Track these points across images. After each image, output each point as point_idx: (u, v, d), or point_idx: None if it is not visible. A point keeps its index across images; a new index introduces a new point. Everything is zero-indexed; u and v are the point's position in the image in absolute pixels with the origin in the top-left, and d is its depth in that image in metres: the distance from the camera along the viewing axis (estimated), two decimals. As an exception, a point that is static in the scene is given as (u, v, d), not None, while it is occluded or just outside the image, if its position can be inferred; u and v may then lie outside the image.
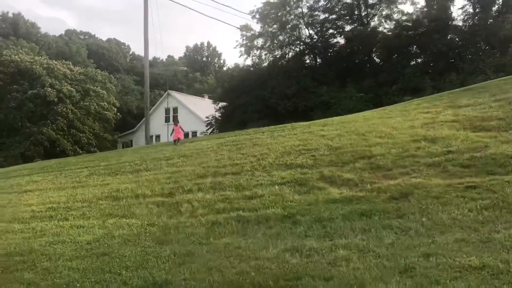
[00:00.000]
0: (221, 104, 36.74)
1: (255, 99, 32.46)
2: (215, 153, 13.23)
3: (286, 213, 6.90)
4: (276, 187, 8.58)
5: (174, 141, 17.56)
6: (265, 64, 35.85)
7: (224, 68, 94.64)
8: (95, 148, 40.16)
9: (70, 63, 44.23)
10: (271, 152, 11.56)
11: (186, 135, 43.67)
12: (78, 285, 5.08)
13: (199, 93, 61.78)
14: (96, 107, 40.42)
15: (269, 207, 7.42)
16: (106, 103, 42.93)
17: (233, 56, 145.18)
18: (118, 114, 45.54)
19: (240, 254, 5.58)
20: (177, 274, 5.13)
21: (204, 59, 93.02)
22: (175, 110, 48.97)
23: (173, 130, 18.01)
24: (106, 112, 41.46)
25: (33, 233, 7.77)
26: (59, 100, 37.81)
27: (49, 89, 36.73)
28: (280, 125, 16.98)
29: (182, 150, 14.84)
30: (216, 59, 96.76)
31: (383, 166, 8.85)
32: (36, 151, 36.09)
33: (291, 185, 8.54)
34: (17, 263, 6.13)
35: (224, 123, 35.60)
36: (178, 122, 18.66)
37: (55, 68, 39.31)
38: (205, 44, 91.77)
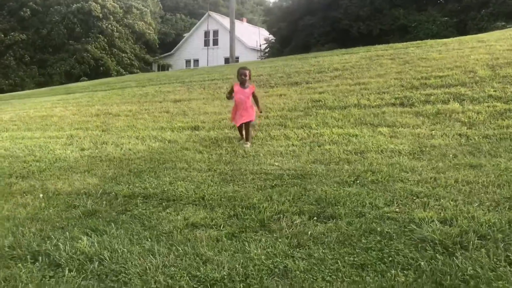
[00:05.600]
0: (277, 26, 34.27)
1: (322, 20, 30.13)
2: (379, 66, 11.62)
3: None
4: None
5: (238, 128, 6.70)
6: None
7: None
8: (138, 70, 38.24)
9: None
10: (470, 66, 9.95)
11: (227, 60, 41.51)
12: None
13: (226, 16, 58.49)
14: (140, 25, 37.95)
15: None
16: (144, 23, 40.40)
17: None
18: (154, 36, 43.00)
19: None
20: None
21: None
22: (216, 33, 46.37)
23: (231, 91, 6.68)
24: (149, 32, 39.05)
25: (295, 140, 6.33)
26: (103, 16, 35.27)
27: (93, 3, 34.11)
28: (419, 41, 15.26)
29: (322, 65, 13.19)
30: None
31: None
32: (81, 69, 34.14)
33: None
34: (343, 171, 4.72)
35: (281, 48, 33.44)
36: (245, 79, 6.50)
37: (97, -20, 36.46)
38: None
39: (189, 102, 10.31)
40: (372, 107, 8.02)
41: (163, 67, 46.95)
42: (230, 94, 6.72)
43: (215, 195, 4.47)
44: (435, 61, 11.22)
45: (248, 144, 6.22)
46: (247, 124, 6.38)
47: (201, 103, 9.97)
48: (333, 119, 7.41)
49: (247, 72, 6.49)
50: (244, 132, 6.52)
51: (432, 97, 8.07)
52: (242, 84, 6.49)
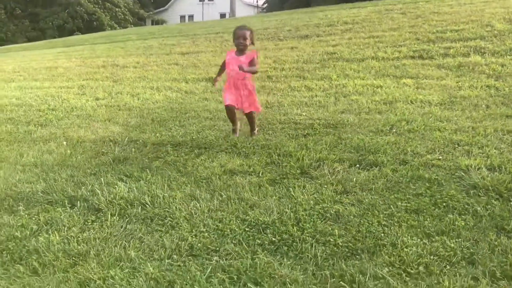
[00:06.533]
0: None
1: (324, -26, 29.27)
2: (391, 20, 11.35)
3: None
4: None
5: (227, 109, 4.49)
6: None
7: None
8: (131, 25, 37.25)
9: None
10: (486, 19, 9.71)
11: (222, 16, 40.48)
12: None
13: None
14: (134, -22, 36.71)
15: None
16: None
17: None
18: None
19: None
20: None
21: None
22: (211, -13, 45.03)
23: (223, 66, 4.54)
24: (143, -15, 37.78)
25: (318, 91, 6.17)
26: (96, -34, 34.03)
27: (85, -47, 32.82)
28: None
29: (330, 19, 12.84)
30: None
31: None
32: (75, 24, 33.19)
33: None
34: (375, 121, 4.61)
35: (279, 3, 32.72)
36: (245, 44, 4.27)
37: None
38: None
39: (197, 54, 10.05)
40: (391, 59, 7.84)
41: (157, 23, 45.69)
42: (219, 73, 4.62)
43: (247, 143, 4.34)
44: (449, 15, 10.95)
45: (256, 131, 4.62)
46: (250, 114, 4.52)
47: (210, 56, 9.72)
48: (353, 71, 7.24)
49: (248, 33, 4.28)
50: (248, 122, 4.68)
51: (451, 50, 7.89)
52: (240, 51, 4.34)
